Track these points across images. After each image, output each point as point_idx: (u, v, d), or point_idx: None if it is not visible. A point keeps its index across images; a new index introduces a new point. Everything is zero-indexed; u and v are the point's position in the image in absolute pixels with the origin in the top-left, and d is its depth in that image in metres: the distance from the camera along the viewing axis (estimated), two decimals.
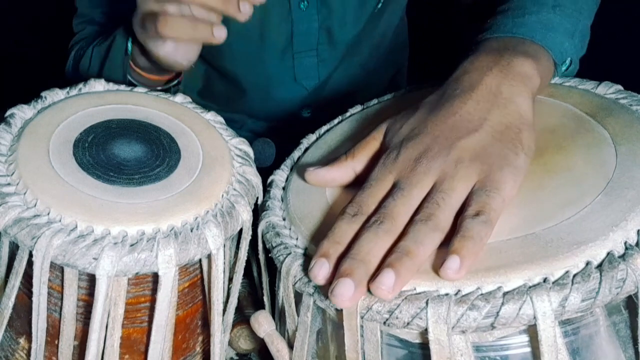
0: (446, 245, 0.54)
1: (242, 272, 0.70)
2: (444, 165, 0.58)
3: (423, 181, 0.58)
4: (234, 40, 1.08)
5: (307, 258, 0.59)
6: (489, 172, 0.58)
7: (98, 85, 0.74)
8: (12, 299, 0.63)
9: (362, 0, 1.11)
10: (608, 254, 0.52)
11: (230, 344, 0.74)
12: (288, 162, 0.74)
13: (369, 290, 0.53)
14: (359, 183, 0.63)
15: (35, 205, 0.60)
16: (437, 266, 0.53)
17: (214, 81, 1.14)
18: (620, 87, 0.70)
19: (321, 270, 0.55)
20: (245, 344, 0.74)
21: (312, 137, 0.78)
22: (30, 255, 0.59)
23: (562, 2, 0.77)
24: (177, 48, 0.78)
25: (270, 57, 1.12)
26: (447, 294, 0.52)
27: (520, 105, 0.63)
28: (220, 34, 0.75)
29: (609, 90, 0.70)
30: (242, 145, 0.73)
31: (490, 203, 0.55)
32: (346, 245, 0.56)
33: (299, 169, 0.72)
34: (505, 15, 0.77)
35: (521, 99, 0.63)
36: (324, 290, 0.55)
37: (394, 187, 0.59)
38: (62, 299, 0.62)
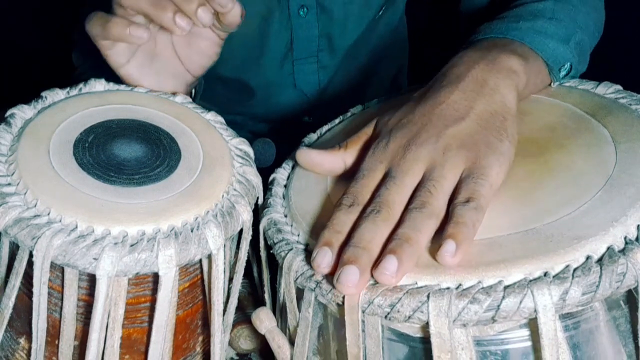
0: (441, 233, 0.54)
1: (243, 272, 0.70)
2: (432, 153, 0.60)
3: (414, 169, 0.59)
4: (233, 47, 1.08)
5: (309, 254, 0.59)
6: (476, 159, 0.59)
7: (98, 85, 0.74)
8: (13, 299, 0.63)
9: (364, 7, 1.11)
10: (608, 248, 0.52)
11: (230, 344, 0.74)
12: (289, 161, 0.74)
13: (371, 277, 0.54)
14: None
15: (35, 206, 0.60)
16: (434, 255, 0.54)
17: (214, 86, 1.14)
18: (619, 87, 0.71)
19: (324, 259, 0.55)
20: (245, 344, 0.74)
21: (313, 137, 0.78)
22: (31, 255, 0.58)
23: (559, 15, 0.78)
24: (140, 72, 0.77)
25: (269, 64, 1.12)
26: (448, 288, 0.52)
27: (505, 96, 0.64)
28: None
29: (608, 90, 0.70)
30: (243, 145, 0.73)
31: (479, 190, 0.57)
32: (346, 235, 0.57)
33: (296, 168, 0.72)
34: (501, 21, 0.78)
35: (506, 90, 0.65)
36: (328, 280, 0.56)
37: (386, 175, 0.60)
38: (62, 299, 0.62)
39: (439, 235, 0.54)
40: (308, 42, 1.11)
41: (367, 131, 0.67)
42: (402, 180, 0.58)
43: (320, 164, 0.67)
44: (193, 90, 0.93)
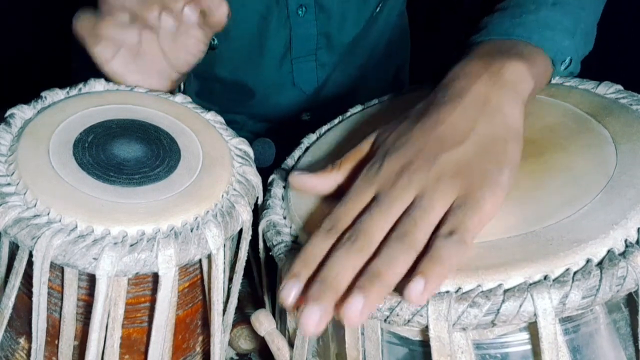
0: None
1: (242, 272, 0.70)
2: (425, 180, 0.57)
3: (403, 196, 0.56)
4: (232, 48, 1.08)
5: None
6: (470, 189, 0.56)
7: (98, 85, 0.74)
8: (12, 299, 0.63)
9: (362, 4, 1.11)
10: (608, 251, 0.52)
11: (230, 344, 0.74)
12: (289, 162, 0.74)
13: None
14: None
15: (35, 205, 0.60)
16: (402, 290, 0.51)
17: (211, 85, 1.14)
18: (620, 87, 0.70)
19: (291, 292, 0.53)
20: (245, 344, 0.74)
21: (312, 137, 0.78)
22: (30, 255, 0.58)
23: None
24: (125, 69, 0.76)
25: (268, 63, 1.11)
26: (447, 292, 0.52)
27: (509, 115, 0.61)
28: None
29: (609, 90, 0.70)
30: (242, 145, 0.73)
31: (467, 223, 0.53)
32: (318, 263, 0.54)
33: (299, 169, 0.72)
34: (502, 15, 0.75)
35: (510, 108, 0.62)
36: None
37: (374, 200, 0.57)
38: (62, 299, 0.62)
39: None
40: (307, 41, 1.11)
41: (362, 148, 0.65)
42: (389, 209, 0.55)
43: (313, 187, 0.65)
44: (182, 85, 0.93)
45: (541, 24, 0.71)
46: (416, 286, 0.49)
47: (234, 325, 0.73)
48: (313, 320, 0.50)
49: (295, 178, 0.65)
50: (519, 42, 0.70)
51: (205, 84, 1.15)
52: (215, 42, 1.08)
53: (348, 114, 0.80)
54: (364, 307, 0.49)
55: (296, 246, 0.61)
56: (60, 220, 0.59)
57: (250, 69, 1.11)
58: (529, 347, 0.53)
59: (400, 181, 0.57)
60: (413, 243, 0.53)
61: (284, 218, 0.66)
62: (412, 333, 0.55)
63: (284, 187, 0.70)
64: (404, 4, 1.22)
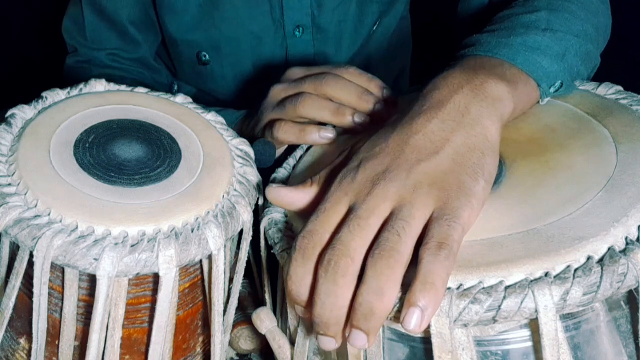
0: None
1: (243, 272, 0.70)
2: (402, 190, 0.55)
3: (380, 207, 0.55)
4: (226, 67, 1.08)
5: None
6: (447, 200, 0.55)
7: (99, 85, 0.74)
8: (13, 299, 0.63)
9: (358, 23, 1.11)
10: (609, 248, 0.52)
11: (230, 344, 0.74)
12: (290, 160, 0.74)
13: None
14: None
15: (35, 206, 0.60)
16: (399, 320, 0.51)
17: (205, 96, 1.14)
18: (620, 87, 0.70)
19: (300, 313, 0.55)
20: (245, 344, 0.74)
21: None
22: (31, 255, 0.58)
23: (554, 25, 0.73)
24: None
25: (264, 83, 1.11)
26: (449, 288, 0.52)
27: (487, 128, 0.60)
28: (326, 135, 0.76)
29: (609, 90, 0.70)
30: (243, 145, 0.73)
31: (452, 234, 0.52)
32: (309, 287, 0.54)
33: (297, 169, 0.73)
34: (490, 34, 0.73)
35: (489, 122, 0.60)
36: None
37: (350, 211, 0.56)
38: (62, 300, 0.62)
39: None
40: (303, 61, 1.11)
41: (341, 162, 0.63)
42: (367, 221, 0.54)
43: (291, 202, 0.63)
44: (175, 86, 0.91)
45: (528, 47, 0.70)
46: (414, 319, 0.49)
47: (235, 325, 0.73)
48: (330, 346, 0.53)
49: (273, 192, 0.63)
50: (503, 62, 0.68)
51: (199, 93, 1.15)
52: (207, 57, 1.08)
53: None
54: (368, 341, 0.51)
55: None
56: (60, 221, 0.59)
57: (244, 88, 1.11)
58: (529, 343, 0.54)
59: (377, 189, 0.56)
60: (399, 259, 0.51)
61: (285, 216, 0.66)
62: None
63: None
64: (407, 9, 1.22)
